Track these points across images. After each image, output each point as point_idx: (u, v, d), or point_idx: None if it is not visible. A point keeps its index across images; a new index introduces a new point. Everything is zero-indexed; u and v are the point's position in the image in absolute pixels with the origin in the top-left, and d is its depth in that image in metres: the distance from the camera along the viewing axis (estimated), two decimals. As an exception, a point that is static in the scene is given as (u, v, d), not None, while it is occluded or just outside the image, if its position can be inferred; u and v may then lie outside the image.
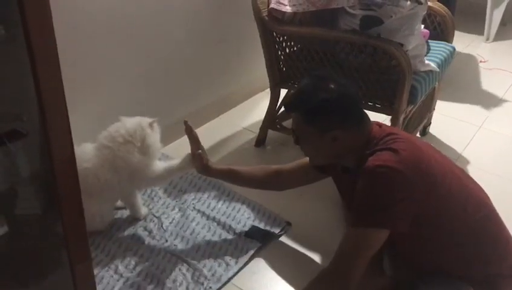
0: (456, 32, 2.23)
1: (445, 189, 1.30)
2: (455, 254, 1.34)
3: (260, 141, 2.31)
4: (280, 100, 2.25)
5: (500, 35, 3.52)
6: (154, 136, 1.67)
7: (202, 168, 1.67)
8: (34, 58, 1.02)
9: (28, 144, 1.24)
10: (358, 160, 1.32)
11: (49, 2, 0.99)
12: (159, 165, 1.70)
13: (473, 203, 1.36)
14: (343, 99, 1.34)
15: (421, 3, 1.73)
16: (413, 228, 1.27)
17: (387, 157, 1.25)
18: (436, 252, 1.34)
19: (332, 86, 1.33)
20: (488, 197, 1.41)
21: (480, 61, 3.21)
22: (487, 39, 3.51)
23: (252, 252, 1.68)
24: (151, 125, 1.66)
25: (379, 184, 1.25)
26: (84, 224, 1.27)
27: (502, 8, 3.42)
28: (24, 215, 1.30)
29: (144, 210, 1.82)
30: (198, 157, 1.64)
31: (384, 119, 2.19)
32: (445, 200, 1.31)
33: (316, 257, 1.68)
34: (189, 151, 1.68)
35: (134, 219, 1.81)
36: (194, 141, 1.66)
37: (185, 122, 1.65)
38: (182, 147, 2.26)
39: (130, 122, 1.65)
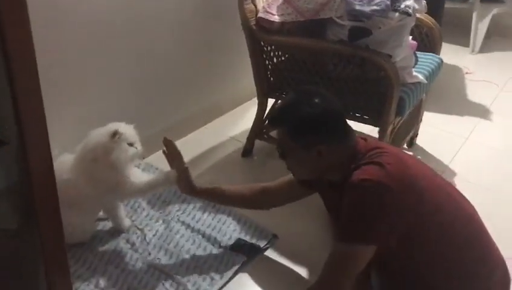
0: (442, 44, 2.24)
1: (432, 204, 1.29)
2: (443, 269, 1.32)
3: (247, 150, 2.28)
4: (268, 110, 2.22)
5: (485, 48, 3.56)
6: (120, 148, 1.54)
7: (187, 189, 1.63)
8: (10, 65, 0.98)
9: (7, 153, 1.20)
10: (344, 174, 1.31)
11: (27, 9, 0.95)
12: (140, 179, 1.62)
13: (461, 218, 1.34)
14: (328, 114, 1.33)
15: (409, 15, 1.73)
16: (400, 243, 1.25)
17: (373, 171, 1.24)
18: (424, 268, 1.31)
19: (316, 101, 1.32)
20: (476, 212, 1.40)
21: (466, 73, 3.24)
22: (472, 51, 3.54)
23: (237, 266, 1.64)
24: (113, 136, 1.53)
25: (365, 198, 1.24)
26: (63, 236, 1.23)
27: (487, 20, 3.47)
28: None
29: (126, 222, 1.77)
30: (184, 176, 1.60)
31: (371, 130, 2.20)
32: (433, 215, 1.29)
33: (303, 271, 1.65)
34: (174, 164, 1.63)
35: (116, 230, 1.76)
36: (178, 156, 1.62)
37: (165, 139, 1.61)
38: (167, 157, 2.24)
39: (92, 139, 1.56)
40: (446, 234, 1.30)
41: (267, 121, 1.63)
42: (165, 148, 1.65)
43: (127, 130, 1.58)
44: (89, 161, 1.54)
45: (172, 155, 1.64)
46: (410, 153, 2.34)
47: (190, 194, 1.69)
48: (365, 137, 1.41)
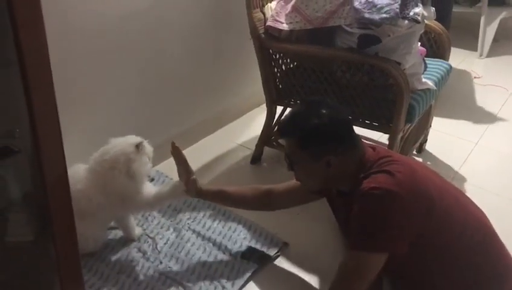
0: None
1: (442, 210, 1.29)
2: (454, 276, 1.32)
3: (256, 158, 2.28)
4: (276, 117, 2.23)
5: (493, 52, 3.55)
6: (141, 160, 1.58)
7: (193, 191, 1.64)
8: (26, 75, 0.99)
9: (20, 162, 1.21)
10: (353, 184, 1.31)
11: (43, 20, 0.97)
12: (149, 191, 1.65)
13: (472, 224, 1.34)
14: (336, 124, 1.34)
15: (418, 22, 1.73)
16: (411, 251, 1.25)
17: (383, 180, 1.24)
18: (435, 275, 1.32)
19: (324, 112, 1.33)
20: (486, 218, 1.40)
21: (475, 77, 3.23)
22: (481, 55, 3.53)
23: (248, 274, 1.64)
24: (137, 147, 1.58)
25: (375, 207, 1.24)
26: (77, 246, 1.24)
27: (495, 24, 3.45)
28: (15, 241, 1.26)
29: (137, 231, 1.78)
30: (192, 183, 1.61)
31: (379, 136, 2.19)
32: (444, 221, 1.29)
33: (314, 280, 1.65)
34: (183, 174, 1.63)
35: (127, 239, 1.77)
36: (183, 163, 1.63)
37: (173, 144, 1.62)
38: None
39: (115, 147, 1.58)
40: (457, 240, 1.30)
41: (276, 131, 1.64)
42: (172, 150, 1.65)
43: (148, 146, 1.62)
44: (107, 169, 1.56)
45: (179, 158, 1.64)
46: (420, 160, 2.34)
47: (197, 197, 1.69)
48: (374, 146, 1.41)
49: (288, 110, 2.23)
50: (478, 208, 1.41)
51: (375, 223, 1.24)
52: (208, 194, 1.66)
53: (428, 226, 1.27)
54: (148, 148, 1.62)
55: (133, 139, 1.61)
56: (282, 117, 1.48)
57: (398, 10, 1.69)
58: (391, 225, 1.23)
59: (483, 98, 2.96)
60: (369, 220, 1.25)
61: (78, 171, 1.58)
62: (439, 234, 1.29)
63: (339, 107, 1.40)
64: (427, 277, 1.34)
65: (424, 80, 1.93)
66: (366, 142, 1.45)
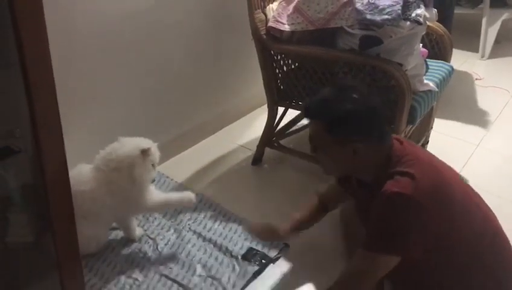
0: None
1: (463, 217, 1.27)
2: (464, 281, 1.30)
3: (257, 159, 2.28)
4: (278, 118, 2.23)
5: (494, 53, 3.54)
6: (144, 166, 1.56)
7: (274, 238, 1.64)
8: (27, 75, 0.99)
9: (21, 162, 1.21)
10: (376, 177, 1.28)
11: (45, 20, 0.97)
12: (156, 197, 1.66)
13: (490, 232, 1.32)
14: (369, 112, 1.27)
15: (420, 24, 1.72)
16: (425, 255, 1.24)
17: (405, 185, 1.20)
18: (445, 280, 1.30)
19: (357, 97, 1.27)
20: (500, 225, 1.37)
21: (476, 79, 3.22)
22: (482, 56, 3.53)
23: (249, 276, 1.64)
24: (144, 152, 1.56)
25: (395, 212, 1.21)
26: (78, 246, 1.24)
27: (497, 26, 3.45)
28: (16, 241, 1.26)
29: (138, 231, 1.78)
30: (269, 229, 1.61)
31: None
32: (463, 228, 1.27)
33: (315, 281, 1.65)
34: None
35: (128, 240, 1.76)
36: (266, 232, 1.63)
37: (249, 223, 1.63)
38: (178, 165, 2.24)
39: (122, 148, 1.57)
40: (472, 247, 1.28)
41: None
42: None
43: (155, 150, 1.60)
44: (112, 169, 1.55)
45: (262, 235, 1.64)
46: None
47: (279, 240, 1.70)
48: (401, 139, 1.36)
49: (289, 111, 2.25)
50: (494, 214, 1.38)
51: (392, 228, 1.22)
52: (287, 235, 1.62)
53: (446, 233, 1.25)
54: (155, 153, 1.60)
55: (142, 143, 1.58)
56: (311, 97, 1.38)
57: (400, 12, 1.69)
58: (408, 231, 1.21)
59: (485, 100, 2.95)
60: (386, 224, 1.23)
61: (81, 171, 1.57)
62: (453, 242, 1.27)
63: (372, 94, 1.33)
64: (434, 283, 1.32)
65: (425, 81, 1.93)
66: (394, 135, 1.40)
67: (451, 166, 1.43)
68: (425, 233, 1.22)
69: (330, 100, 1.30)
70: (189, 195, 1.67)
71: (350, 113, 1.25)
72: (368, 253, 1.26)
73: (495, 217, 1.38)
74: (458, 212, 1.26)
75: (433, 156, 1.42)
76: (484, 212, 1.35)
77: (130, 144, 1.58)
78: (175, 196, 1.71)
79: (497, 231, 1.34)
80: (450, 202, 1.25)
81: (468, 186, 1.42)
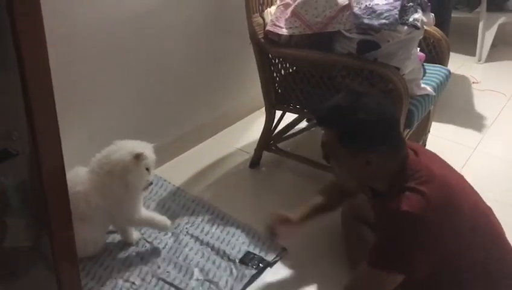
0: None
1: (472, 233, 1.26)
2: None
3: (255, 162, 2.28)
4: (275, 121, 2.23)
5: (491, 57, 3.56)
6: (137, 171, 1.55)
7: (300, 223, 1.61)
8: (25, 77, 0.99)
9: (18, 165, 1.21)
10: (389, 187, 1.26)
11: (43, 22, 0.97)
12: (143, 212, 1.69)
13: (499, 245, 1.32)
14: (383, 122, 1.24)
15: (418, 28, 1.73)
16: (430, 271, 1.23)
17: (416, 203, 1.19)
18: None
19: (372, 106, 1.23)
20: (509, 243, 1.37)
21: (473, 82, 3.23)
22: (479, 60, 3.54)
23: (246, 279, 1.63)
24: (137, 157, 1.53)
25: (403, 231, 1.20)
26: (75, 249, 1.24)
27: (494, 30, 3.46)
28: (14, 246, 1.25)
29: (135, 235, 1.78)
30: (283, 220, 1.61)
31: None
32: (471, 244, 1.27)
33: (312, 285, 1.65)
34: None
35: (126, 244, 1.76)
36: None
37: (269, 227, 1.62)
38: (175, 168, 2.24)
39: (117, 152, 1.56)
40: (477, 264, 1.28)
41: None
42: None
43: (150, 154, 1.59)
44: (105, 172, 1.55)
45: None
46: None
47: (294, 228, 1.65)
48: (416, 148, 1.34)
49: (287, 114, 2.25)
50: (499, 223, 1.37)
51: (397, 246, 1.22)
52: (301, 219, 1.61)
53: (453, 250, 1.24)
54: (149, 157, 1.58)
55: (137, 146, 1.57)
56: (323, 104, 1.34)
57: (397, 16, 1.70)
58: (414, 250, 1.20)
59: (482, 103, 2.96)
60: (392, 241, 1.22)
61: (77, 174, 1.57)
62: (463, 258, 1.26)
63: (387, 102, 1.30)
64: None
65: (423, 85, 1.93)
66: (409, 143, 1.38)
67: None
68: (433, 250, 1.21)
69: (343, 108, 1.27)
70: (166, 222, 1.72)
71: (363, 124, 1.22)
72: (372, 270, 1.25)
73: (501, 227, 1.36)
74: (467, 230, 1.25)
75: (449, 167, 1.38)
76: (496, 228, 1.33)
77: (124, 148, 1.57)
78: (157, 218, 1.73)
79: (505, 246, 1.33)
80: (460, 220, 1.24)
81: (479, 196, 1.38)
